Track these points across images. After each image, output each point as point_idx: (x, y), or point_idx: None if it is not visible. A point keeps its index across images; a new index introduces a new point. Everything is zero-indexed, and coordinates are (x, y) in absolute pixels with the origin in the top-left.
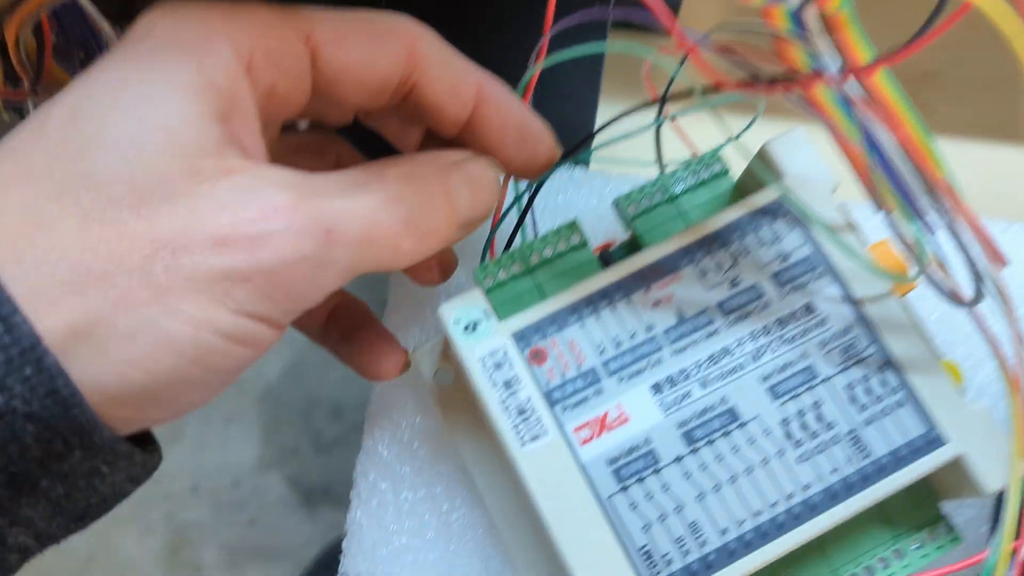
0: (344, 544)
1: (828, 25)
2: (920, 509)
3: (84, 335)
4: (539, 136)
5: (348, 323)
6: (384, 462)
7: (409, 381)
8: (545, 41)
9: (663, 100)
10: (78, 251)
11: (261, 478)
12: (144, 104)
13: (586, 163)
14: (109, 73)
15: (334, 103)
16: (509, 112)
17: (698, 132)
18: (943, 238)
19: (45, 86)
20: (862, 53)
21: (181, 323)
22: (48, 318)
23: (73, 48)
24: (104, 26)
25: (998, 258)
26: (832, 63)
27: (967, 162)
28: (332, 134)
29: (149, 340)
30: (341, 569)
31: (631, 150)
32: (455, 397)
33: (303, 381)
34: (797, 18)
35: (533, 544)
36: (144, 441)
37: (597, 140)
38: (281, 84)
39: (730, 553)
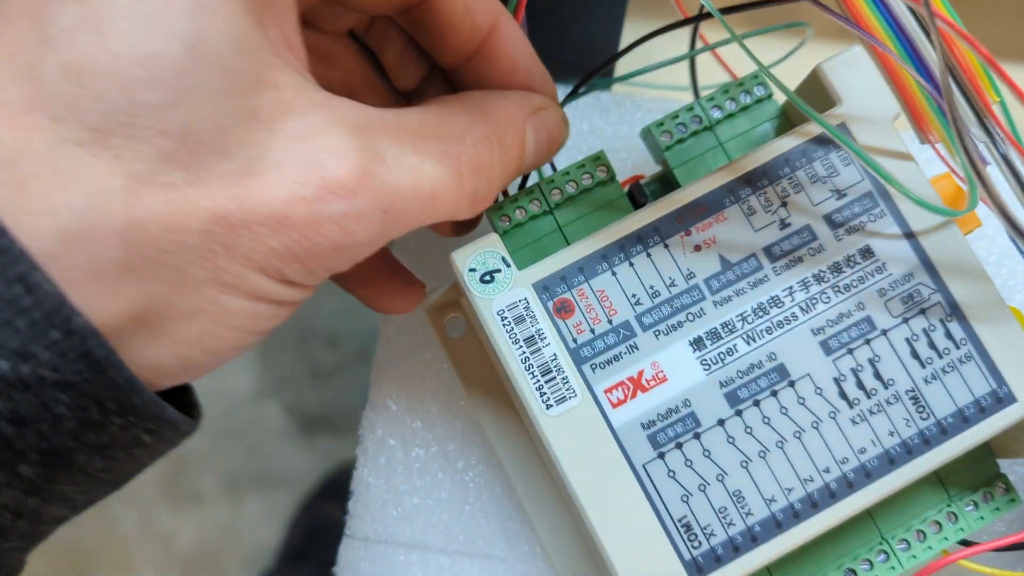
0: (350, 505)
1: None
2: (976, 468)
3: (142, 321)
4: (544, 83)
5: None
6: (393, 416)
7: (418, 328)
8: None
9: (699, 17)
10: (127, 226)
11: (258, 407)
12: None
13: (609, 87)
14: None
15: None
16: (519, 52)
17: (736, 58)
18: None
19: None
20: None
21: (238, 298)
22: (102, 307)
23: None
24: None
25: None
26: None
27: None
28: (343, 38)
29: (209, 319)
30: (347, 531)
31: (662, 73)
32: (469, 349)
33: (298, 310)
34: None
35: (560, 516)
36: (181, 398)
37: (623, 63)
38: None
39: (777, 524)
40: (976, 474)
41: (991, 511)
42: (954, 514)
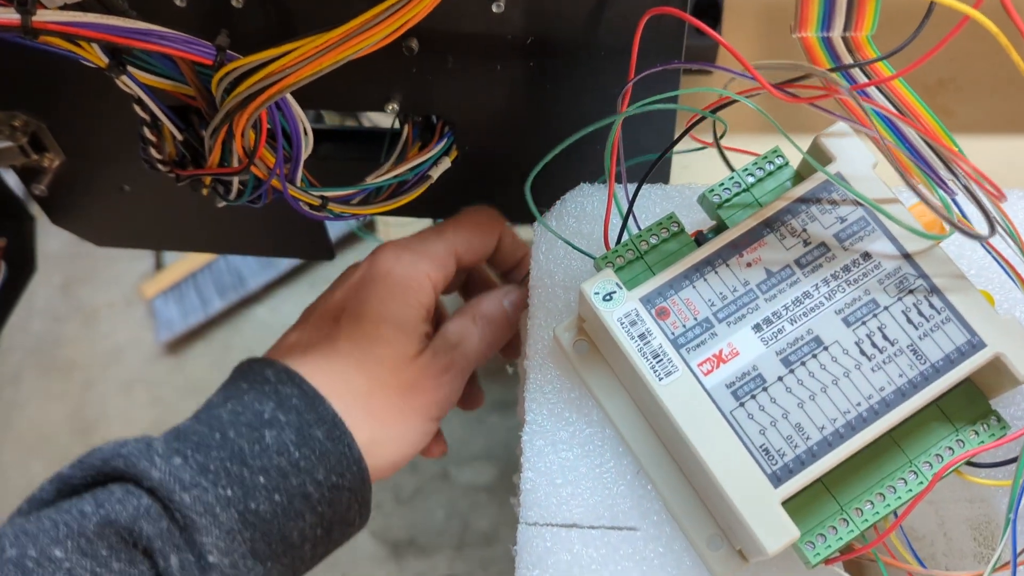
0: (522, 498)
1: (853, 46)
2: (973, 407)
3: (375, 443)
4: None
5: None
6: (545, 431)
7: (556, 362)
8: (628, 88)
9: (716, 109)
10: (368, 398)
11: None
12: (392, 316)
13: (666, 181)
14: (371, 293)
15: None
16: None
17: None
18: (961, 200)
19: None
20: (882, 66)
21: (416, 431)
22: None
23: (278, 134)
24: (303, 117)
25: (998, 193)
26: (859, 76)
27: (985, 156)
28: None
29: (405, 443)
30: (521, 518)
31: (713, 174)
32: (592, 362)
33: None
34: (827, 43)
35: (678, 479)
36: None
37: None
38: (446, 283)
39: (828, 444)
40: (974, 411)
41: (988, 436)
42: (961, 441)
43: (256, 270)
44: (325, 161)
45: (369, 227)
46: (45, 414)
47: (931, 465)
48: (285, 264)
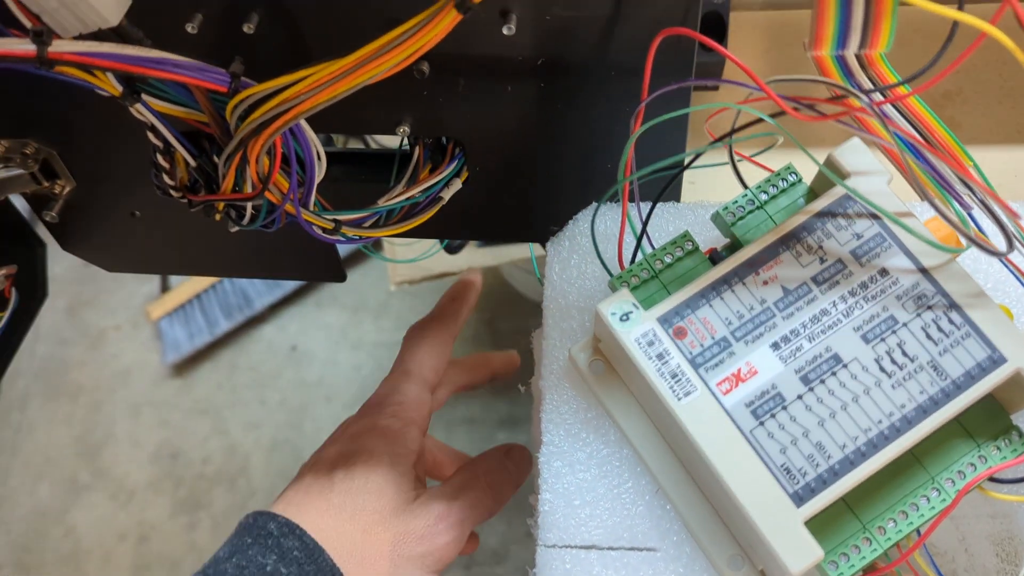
0: (540, 520)
1: (866, 62)
2: (995, 422)
3: None
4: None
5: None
6: (563, 452)
7: (572, 382)
8: (642, 108)
9: (733, 132)
10: (363, 548)
11: None
12: (381, 467)
13: (677, 199)
14: (361, 446)
15: None
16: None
17: (750, 171)
18: (977, 214)
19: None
20: (896, 82)
21: None
22: None
23: (292, 159)
24: (317, 142)
25: (1015, 214)
26: (874, 93)
27: (993, 166)
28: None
29: None
30: (539, 540)
31: (718, 191)
32: (608, 381)
33: None
34: (841, 60)
35: (698, 499)
36: None
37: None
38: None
39: (850, 462)
40: (995, 427)
41: (1011, 452)
42: (983, 457)
43: (262, 290)
44: (335, 183)
45: (376, 245)
46: (52, 438)
47: (954, 482)
48: (291, 284)
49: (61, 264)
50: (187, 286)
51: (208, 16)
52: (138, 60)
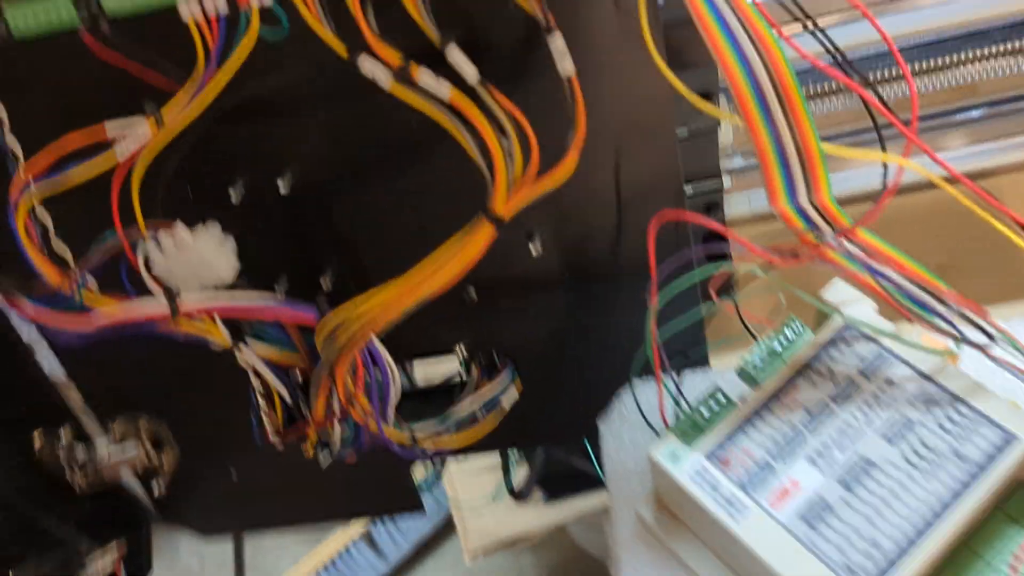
0: None
1: (822, 210)
2: None
3: None
4: None
5: None
6: None
7: (644, 542)
8: (655, 288)
9: (730, 284)
10: None
11: None
12: None
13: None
14: None
15: None
16: None
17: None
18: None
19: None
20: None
21: None
22: None
23: (372, 379)
24: (390, 360)
25: (982, 311)
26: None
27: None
28: None
29: None
30: None
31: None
32: (675, 530)
33: None
34: (801, 212)
35: None
36: None
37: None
38: None
39: (903, 551)
40: None
41: None
42: None
43: None
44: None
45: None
46: None
47: (1013, 567)
48: None
49: None
50: None
51: (292, 275)
52: (247, 305)
